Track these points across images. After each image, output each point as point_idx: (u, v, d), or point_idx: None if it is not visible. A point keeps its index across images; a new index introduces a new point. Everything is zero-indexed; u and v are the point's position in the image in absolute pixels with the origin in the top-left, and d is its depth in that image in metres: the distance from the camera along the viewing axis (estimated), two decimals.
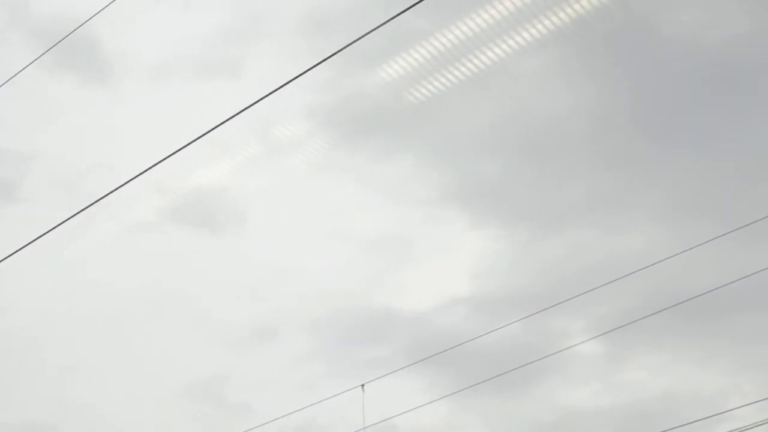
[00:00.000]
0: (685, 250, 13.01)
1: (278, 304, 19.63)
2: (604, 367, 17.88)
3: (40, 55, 10.32)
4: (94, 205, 8.29)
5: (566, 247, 17.73)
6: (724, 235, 12.73)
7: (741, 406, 12.57)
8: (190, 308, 19.85)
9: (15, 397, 20.18)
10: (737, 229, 12.67)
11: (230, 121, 7.32)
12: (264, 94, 7.13)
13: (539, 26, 11.89)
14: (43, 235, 8.59)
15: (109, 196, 8.17)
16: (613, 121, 16.53)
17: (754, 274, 12.70)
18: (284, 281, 19.32)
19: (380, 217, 18.44)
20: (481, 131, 16.94)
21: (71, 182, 18.17)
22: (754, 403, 12.43)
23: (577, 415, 18.17)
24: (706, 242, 12.80)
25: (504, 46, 12.29)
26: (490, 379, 14.86)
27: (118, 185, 8.07)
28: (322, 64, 6.81)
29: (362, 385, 15.17)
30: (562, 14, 11.77)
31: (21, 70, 10.14)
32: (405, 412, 15.39)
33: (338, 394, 15.39)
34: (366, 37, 6.75)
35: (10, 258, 9.28)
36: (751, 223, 12.63)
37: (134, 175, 7.70)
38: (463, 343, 15.03)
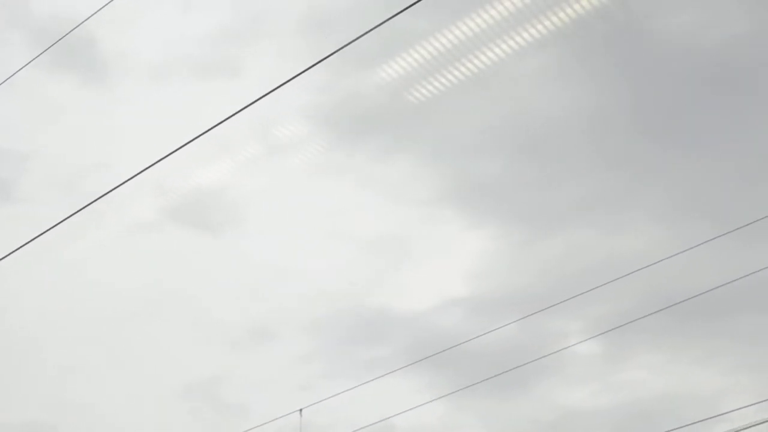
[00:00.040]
0: (685, 250, 13.02)
1: (276, 304, 19.64)
2: (602, 367, 17.89)
3: (38, 55, 10.33)
4: (94, 205, 8.30)
5: (565, 248, 17.74)
6: (724, 235, 12.73)
7: (740, 408, 12.58)
8: (189, 308, 19.86)
9: (14, 397, 20.19)
10: (737, 229, 12.68)
11: (230, 121, 7.33)
12: (263, 94, 7.14)
13: (538, 26, 11.90)
14: (41, 234, 8.60)
15: (108, 195, 8.18)
16: (612, 122, 16.53)
17: (753, 273, 12.70)
18: (283, 281, 19.33)
19: (379, 218, 18.44)
20: (480, 131, 16.94)
21: (70, 182, 18.17)
22: (754, 404, 12.44)
23: (576, 415, 18.18)
24: (706, 242, 12.81)
25: (503, 47, 12.30)
26: (488, 379, 14.88)
27: (117, 185, 8.08)
28: (321, 64, 6.82)
29: (300, 410, 15.16)
30: (561, 14, 11.78)
31: (19, 70, 10.15)
32: (403, 412, 15.40)
33: (336, 395, 15.40)
34: (365, 37, 6.75)
35: (9, 258, 9.29)
36: (750, 223, 12.63)
37: (132, 175, 7.70)
38: (462, 343, 15.04)
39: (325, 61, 6.87)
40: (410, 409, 15.42)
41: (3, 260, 9.29)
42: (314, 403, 15.35)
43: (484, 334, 14.91)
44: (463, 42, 12.03)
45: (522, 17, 11.76)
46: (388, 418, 15.54)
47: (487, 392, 15.91)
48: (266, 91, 7.10)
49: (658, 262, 13.26)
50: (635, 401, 17.50)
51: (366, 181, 17.93)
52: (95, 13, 9.31)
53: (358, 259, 18.92)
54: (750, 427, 12.28)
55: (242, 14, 16.58)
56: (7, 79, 10.44)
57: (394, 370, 15.69)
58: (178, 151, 7.65)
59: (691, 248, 12.90)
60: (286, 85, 7.02)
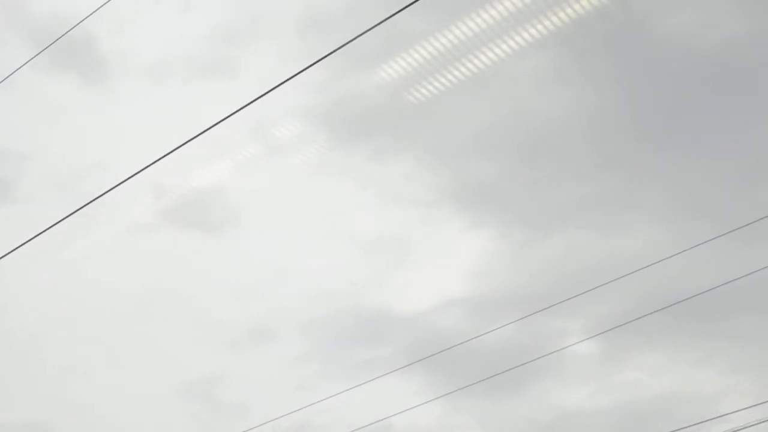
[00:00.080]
0: (684, 251, 13.01)
1: (275, 304, 19.64)
2: (600, 368, 17.89)
3: (36, 55, 10.33)
4: (93, 205, 8.30)
5: (564, 248, 17.73)
6: (723, 235, 12.73)
7: (740, 410, 12.58)
8: (189, 308, 19.86)
9: (14, 397, 20.20)
10: (736, 229, 12.67)
11: (229, 121, 7.33)
12: (261, 94, 7.14)
13: (538, 26, 11.89)
14: (39, 234, 8.59)
15: (107, 195, 8.18)
16: (612, 122, 16.53)
17: (753, 273, 12.70)
18: (281, 281, 19.33)
19: (378, 218, 18.44)
20: (480, 132, 16.93)
21: (69, 182, 18.17)
22: (754, 406, 12.43)
23: (573, 415, 18.18)
24: (705, 242, 12.80)
25: (502, 47, 12.29)
26: (485, 379, 14.88)
27: (116, 185, 8.07)
28: (321, 64, 6.81)
29: None
30: (561, 14, 11.78)
31: (17, 70, 10.15)
32: (400, 412, 15.41)
33: (333, 396, 15.40)
34: (364, 37, 6.75)
35: (8, 258, 9.29)
36: (750, 224, 12.63)
37: (131, 174, 7.70)
38: (461, 343, 15.04)
39: (324, 61, 6.86)
40: (408, 409, 15.42)
41: (2, 260, 9.28)
42: (313, 404, 15.36)
43: (483, 334, 14.92)
44: (463, 42, 12.02)
45: (522, 17, 11.76)
46: (386, 418, 15.54)
47: (485, 393, 15.92)
48: (265, 91, 7.10)
49: (658, 262, 13.26)
50: (633, 402, 17.51)
51: (365, 181, 17.94)
52: (93, 12, 9.30)
53: (357, 260, 18.93)
54: (749, 426, 12.28)
55: (242, 14, 16.58)
56: (6, 78, 10.43)
57: (393, 371, 15.69)
58: (177, 152, 7.65)
59: (691, 248, 12.89)
60: (285, 85, 7.02)
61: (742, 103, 15.43)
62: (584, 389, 18.17)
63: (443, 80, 12.99)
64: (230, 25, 16.62)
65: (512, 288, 18.25)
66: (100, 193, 8.17)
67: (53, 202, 17.76)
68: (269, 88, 7.08)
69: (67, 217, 8.34)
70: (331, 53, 6.56)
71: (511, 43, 12.13)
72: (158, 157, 7.72)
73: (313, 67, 6.93)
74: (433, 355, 15.36)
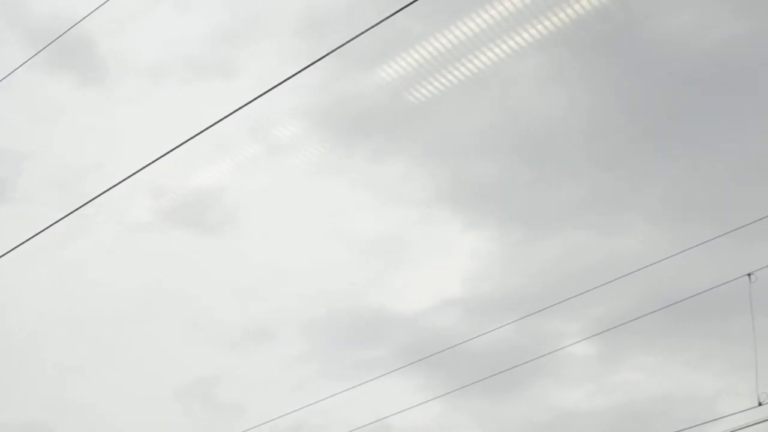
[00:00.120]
0: (683, 251, 13.01)
1: (274, 304, 19.65)
2: (598, 368, 17.89)
3: (34, 55, 10.33)
4: (93, 205, 8.30)
5: (563, 248, 17.73)
6: (722, 235, 12.72)
7: (738, 412, 12.57)
8: (188, 308, 19.87)
9: (14, 397, 20.20)
10: (736, 229, 12.66)
11: (228, 121, 7.34)
12: (260, 94, 7.15)
13: (538, 26, 11.89)
14: (38, 234, 8.59)
15: (106, 195, 8.18)
16: (611, 122, 16.53)
17: (751, 273, 12.68)
18: (280, 281, 19.34)
19: (377, 218, 18.44)
20: (479, 132, 16.94)
21: (68, 182, 18.18)
22: (751, 408, 12.43)
23: (571, 416, 18.18)
24: (704, 243, 12.80)
25: (502, 47, 12.29)
26: (484, 379, 14.87)
27: (114, 184, 8.08)
28: (319, 64, 6.82)
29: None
30: (560, 14, 11.78)
31: (15, 70, 10.15)
32: (399, 412, 15.40)
33: (331, 396, 15.40)
34: (362, 38, 6.75)
35: (8, 258, 9.29)
36: (749, 224, 12.62)
37: (129, 174, 7.71)
38: (459, 344, 15.04)
39: (323, 61, 6.87)
40: (406, 409, 15.42)
41: (1, 260, 9.29)
42: (311, 404, 15.35)
43: (482, 334, 14.91)
44: (462, 42, 12.02)
45: (521, 17, 11.76)
46: (385, 418, 15.54)
47: (483, 393, 15.92)
48: (264, 91, 7.11)
49: (656, 263, 13.26)
50: (630, 403, 17.51)
51: (364, 181, 17.95)
52: (92, 12, 9.31)
53: (355, 260, 18.94)
54: (747, 426, 12.27)
55: (241, 15, 16.59)
56: (5, 77, 10.44)
57: (392, 371, 15.68)
58: (177, 152, 7.65)
59: (689, 249, 12.89)
60: (284, 85, 7.03)
61: (742, 103, 15.43)
62: (582, 390, 18.19)
63: (442, 80, 12.99)
64: (229, 25, 16.64)
65: (511, 288, 18.26)
66: (99, 193, 8.18)
67: (52, 201, 17.77)
68: (268, 88, 7.09)
69: (66, 216, 8.35)
70: (330, 53, 6.57)
71: (511, 43, 12.13)
72: (157, 157, 7.73)
73: (312, 67, 6.94)
74: (431, 355, 15.36)
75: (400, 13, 6.56)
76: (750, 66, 15.19)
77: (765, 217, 12.48)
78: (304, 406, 15.70)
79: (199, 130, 7.33)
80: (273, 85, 6.80)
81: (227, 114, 7.15)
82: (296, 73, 6.52)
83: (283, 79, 6.75)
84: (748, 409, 12.29)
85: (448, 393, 15.60)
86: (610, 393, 17.95)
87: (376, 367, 17.08)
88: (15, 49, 16.11)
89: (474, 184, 17.79)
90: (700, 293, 13.18)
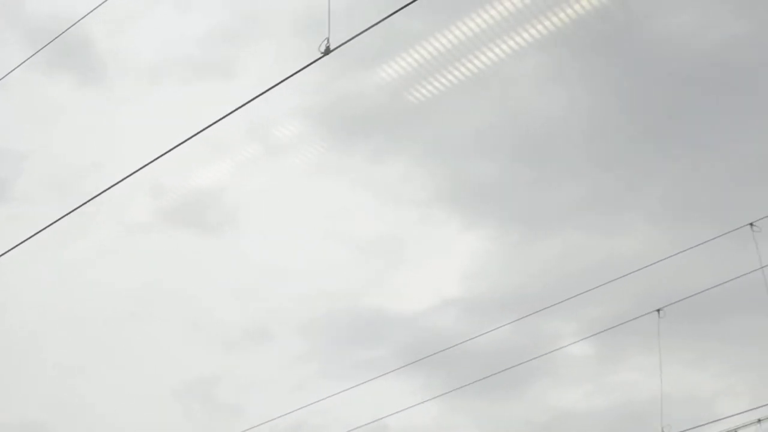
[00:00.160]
0: (682, 251, 12.99)
1: (274, 304, 19.63)
2: (595, 369, 17.88)
3: (33, 55, 10.32)
4: (92, 204, 8.30)
5: (562, 248, 17.73)
6: (722, 236, 12.70)
7: (736, 414, 12.57)
8: (187, 308, 19.86)
9: (14, 397, 20.19)
10: (735, 229, 12.65)
11: (227, 121, 7.33)
12: (258, 94, 7.15)
13: (538, 26, 11.89)
14: (38, 233, 8.59)
15: (106, 195, 8.18)
16: (610, 122, 16.53)
17: (750, 273, 12.68)
18: (279, 281, 19.34)
19: (376, 218, 18.44)
20: (478, 132, 16.94)
21: (67, 181, 18.18)
22: (749, 410, 12.42)
23: (569, 416, 18.17)
24: (703, 243, 12.78)
25: (502, 47, 12.29)
26: (482, 379, 14.85)
27: (113, 184, 8.07)
28: (319, 63, 6.82)
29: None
30: (560, 14, 11.77)
31: (13, 69, 10.14)
32: (397, 413, 15.38)
33: (331, 396, 15.38)
34: (362, 38, 6.75)
35: (7, 257, 9.29)
36: (747, 225, 12.60)
37: (128, 174, 7.70)
38: (457, 344, 15.02)
39: (322, 61, 6.87)
40: (405, 409, 15.40)
41: (1, 259, 9.29)
42: (311, 404, 15.33)
43: (480, 335, 14.89)
44: (462, 42, 12.02)
45: (521, 17, 11.76)
46: (383, 418, 15.52)
47: (481, 393, 15.90)
48: (263, 91, 7.10)
49: (655, 263, 13.24)
50: (628, 403, 17.48)
51: (363, 181, 17.95)
52: (91, 12, 9.30)
53: (354, 260, 18.93)
54: (745, 426, 12.27)
55: (240, 15, 16.59)
56: (4, 77, 10.42)
57: (391, 371, 15.66)
58: (176, 151, 7.65)
59: (688, 249, 12.87)
60: (283, 85, 7.02)
61: (742, 103, 15.43)
62: (580, 390, 18.18)
63: (442, 80, 12.99)
64: (229, 25, 16.64)
65: (510, 288, 18.26)
66: (99, 192, 8.18)
67: (52, 201, 17.77)
68: (267, 88, 7.09)
69: (65, 216, 8.34)
70: (332, 51, 6.56)
71: (511, 43, 12.13)
72: (157, 157, 7.72)
73: (311, 67, 6.94)
74: (430, 355, 15.35)
75: (400, 13, 6.56)
76: (750, 66, 15.20)
77: (765, 217, 12.47)
78: (304, 406, 15.67)
79: (199, 130, 7.33)
80: (273, 85, 6.79)
81: (226, 114, 7.15)
82: (298, 72, 6.52)
83: (284, 78, 6.74)
84: (748, 410, 12.29)
85: (447, 393, 15.59)
86: (608, 393, 17.95)
87: (375, 367, 17.07)
88: (14, 49, 16.11)
89: (473, 184, 17.79)
90: (699, 293, 13.17)
